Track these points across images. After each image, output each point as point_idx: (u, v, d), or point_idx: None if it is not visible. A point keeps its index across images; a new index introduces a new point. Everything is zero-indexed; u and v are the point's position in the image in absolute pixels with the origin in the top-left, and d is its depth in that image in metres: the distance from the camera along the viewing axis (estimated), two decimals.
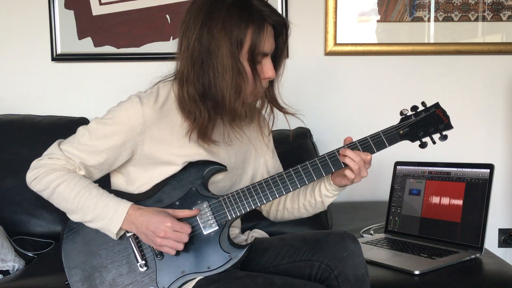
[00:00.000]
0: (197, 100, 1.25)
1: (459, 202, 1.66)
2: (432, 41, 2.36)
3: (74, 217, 1.27)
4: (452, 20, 2.35)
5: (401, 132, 1.33)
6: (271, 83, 1.34)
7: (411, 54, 2.37)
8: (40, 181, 1.27)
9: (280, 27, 1.28)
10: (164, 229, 1.21)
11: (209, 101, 1.25)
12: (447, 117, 1.34)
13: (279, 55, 1.32)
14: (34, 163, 1.30)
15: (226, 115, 1.29)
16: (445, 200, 1.69)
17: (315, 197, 1.42)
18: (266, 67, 1.27)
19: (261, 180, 1.31)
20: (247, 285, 1.17)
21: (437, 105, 1.35)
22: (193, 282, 1.24)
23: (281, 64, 1.34)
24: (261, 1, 1.25)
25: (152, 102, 1.28)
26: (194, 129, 1.28)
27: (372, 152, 1.32)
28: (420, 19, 2.35)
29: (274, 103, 1.35)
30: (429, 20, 2.35)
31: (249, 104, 1.33)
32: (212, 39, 1.21)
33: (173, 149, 1.30)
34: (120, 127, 1.27)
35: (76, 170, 1.29)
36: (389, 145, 1.32)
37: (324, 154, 1.32)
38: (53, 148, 1.31)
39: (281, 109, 1.35)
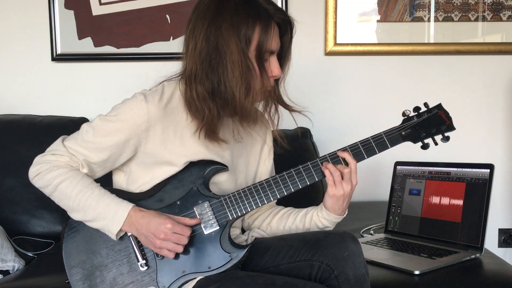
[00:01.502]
0: (206, 98, 1.25)
1: (459, 202, 1.65)
2: (432, 41, 2.37)
3: (75, 215, 1.28)
4: (452, 20, 2.35)
5: (403, 133, 1.33)
6: (276, 82, 1.34)
7: (411, 54, 2.37)
8: (43, 177, 1.27)
9: (285, 25, 1.29)
10: (164, 231, 1.21)
11: (218, 99, 1.25)
12: (450, 118, 1.34)
13: (284, 53, 1.33)
14: (37, 159, 1.30)
15: (236, 113, 1.28)
16: (445, 200, 1.69)
17: (305, 223, 1.42)
18: (273, 65, 1.27)
19: (262, 181, 1.32)
20: (248, 285, 1.17)
21: (439, 106, 1.35)
22: (194, 282, 1.24)
23: (286, 63, 1.34)
24: (266, 0, 1.26)
25: (156, 100, 1.28)
26: (202, 128, 1.28)
27: (374, 153, 1.32)
28: (420, 19, 2.35)
29: (280, 101, 1.35)
30: (429, 20, 2.35)
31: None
32: (220, 37, 1.22)
33: (175, 147, 1.30)
34: (124, 124, 1.27)
35: (79, 168, 1.29)
36: (391, 146, 1.33)
37: (326, 155, 1.32)
38: (56, 144, 1.31)
39: (287, 107, 1.35)
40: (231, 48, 1.21)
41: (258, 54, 1.24)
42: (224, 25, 1.22)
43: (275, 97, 1.33)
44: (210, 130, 1.28)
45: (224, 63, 1.22)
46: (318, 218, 1.40)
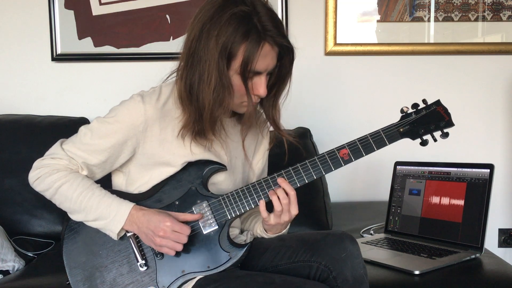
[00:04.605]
0: (185, 98, 1.25)
1: (459, 202, 1.65)
2: (432, 41, 2.36)
3: (76, 216, 1.28)
4: (452, 20, 2.35)
5: (401, 130, 1.31)
6: (274, 103, 1.33)
7: (411, 54, 2.37)
8: (43, 181, 1.27)
9: (284, 50, 1.25)
10: (163, 228, 1.21)
11: (194, 101, 1.25)
12: (448, 114, 1.33)
13: (283, 76, 1.30)
14: (37, 163, 1.30)
15: (205, 122, 1.26)
16: (445, 200, 1.69)
17: (253, 232, 1.44)
18: (257, 84, 1.24)
19: (260, 179, 1.31)
20: (247, 283, 1.17)
21: (438, 102, 1.34)
22: (193, 282, 1.24)
23: (283, 85, 1.32)
24: (270, 19, 1.21)
25: (154, 101, 1.28)
26: (183, 128, 1.28)
27: (372, 150, 1.30)
28: (420, 19, 2.35)
29: (273, 124, 1.35)
30: (429, 20, 2.35)
31: (253, 110, 1.32)
32: (205, 45, 1.20)
33: (174, 148, 1.30)
34: (122, 126, 1.27)
35: (78, 170, 1.30)
36: (389, 143, 1.31)
37: (323, 153, 1.31)
38: (55, 148, 1.31)
39: (280, 132, 1.35)
40: (210, 61, 1.19)
41: (242, 71, 1.21)
42: (212, 34, 1.19)
43: (270, 119, 1.33)
44: (191, 130, 1.27)
45: (201, 72, 1.21)
46: (262, 232, 1.41)
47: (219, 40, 1.18)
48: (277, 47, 1.23)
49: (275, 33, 1.21)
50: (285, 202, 1.27)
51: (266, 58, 1.22)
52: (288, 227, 1.40)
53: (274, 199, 1.27)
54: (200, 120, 1.25)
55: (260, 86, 1.25)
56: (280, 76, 1.30)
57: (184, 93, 1.25)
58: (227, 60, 1.20)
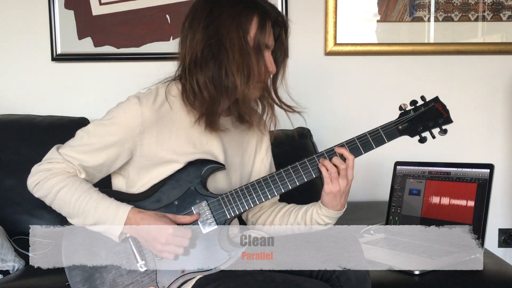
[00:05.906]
0: (206, 84, 1.25)
1: (459, 202, 1.65)
2: (432, 41, 2.36)
3: (75, 221, 1.27)
4: (452, 20, 2.35)
5: (400, 127, 1.32)
6: (274, 83, 1.35)
7: (411, 54, 2.36)
8: (42, 186, 1.26)
9: (279, 25, 1.31)
10: (165, 236, 1.21)
11: (218, 85, 1.25)
12: (447, 111, 1.33)
13: (280, 54, 1.33)
14: (34, 169, 1.29)
15: (235, 102, 1.28)
16: (445, 200, 1.69)
17: (306, 221, 1.40)
18: (267, 60, 1.28)
19: (259, 179, 1.31)
20: (247, 282, 1.17)
21: (436, 99, 1.34)
22: (193, 281, 1.24)
23: (282, 63, 1.35)
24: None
25: (150, 103, 1.28)
26: (202, 116, 1.28)
27: (371, 148, 1.31)
28: (420, 19, 2.35)
29: (277, 102, 1.35)
30: (429, 20, 2.35)
31: (251, 107, 1.33)
32: (220, 24, 1.23)
33: (173, 147, 1.30)
34: (119, 128, 1.27)
35: (77, 174, 1.29)
36: (388, 141, 1.31)
37: (322, 151, 1.32)
38: (52, 153, 1.30)
39: (285, 108, 1.35)
40: (232, 35, 1.23)
41: (256, 45, 1.25)
42: (224, 13, 1.24)
43: (271, 97, 1.34)
44: (210, 117, 1.27)
45: (224, 49, 1.23)
46: (318, 215, 1.38)
47: (234, 17, 1.23)
48: (275, 23, 1.30)
49: (271, 8, 1.29)
50: (334, 170, 1.28)
51: (270, 33, 1.28)
52: (345, 206, 1.37)
53: (323, 170, 1.29)
54: (223, 100, 1.27)
55: (269, 61, 1.29)
56: (276, 55, 1.34)
57: (206, 80, 1.25)
58: (245, 34, 1.24)
